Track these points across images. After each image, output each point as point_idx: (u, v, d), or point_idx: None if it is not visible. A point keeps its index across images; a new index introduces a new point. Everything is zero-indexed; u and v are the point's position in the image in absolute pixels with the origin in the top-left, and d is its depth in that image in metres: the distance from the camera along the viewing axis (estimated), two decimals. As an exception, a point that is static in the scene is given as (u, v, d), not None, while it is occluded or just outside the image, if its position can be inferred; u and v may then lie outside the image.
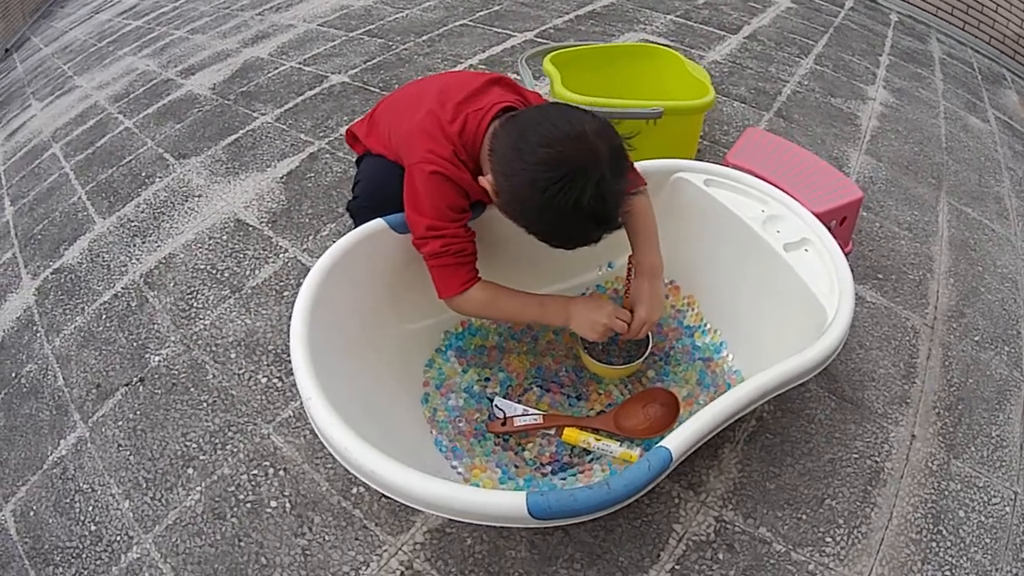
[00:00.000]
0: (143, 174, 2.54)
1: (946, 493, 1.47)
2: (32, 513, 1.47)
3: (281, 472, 1.45)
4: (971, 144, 3.06)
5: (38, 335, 1.92)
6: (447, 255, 1.31)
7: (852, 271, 1.40)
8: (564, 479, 1.35)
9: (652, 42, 3.31)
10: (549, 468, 1.37)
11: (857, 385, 1.67)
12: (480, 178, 1.29)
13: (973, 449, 1.58)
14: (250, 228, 2.16)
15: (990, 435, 1.63)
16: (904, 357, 1.78)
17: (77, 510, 1.44)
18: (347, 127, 1.71)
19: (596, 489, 0.99)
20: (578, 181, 1.11)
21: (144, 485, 1.46)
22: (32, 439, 1.63)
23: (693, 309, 1.68)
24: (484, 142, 1.30)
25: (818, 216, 1.54)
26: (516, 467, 1.37)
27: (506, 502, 0.97)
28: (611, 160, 1.15)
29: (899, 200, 2.44)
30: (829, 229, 1.51)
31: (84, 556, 1.37)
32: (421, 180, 1.31)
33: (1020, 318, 2.02)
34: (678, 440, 1.06)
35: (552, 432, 1.44)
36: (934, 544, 1.38)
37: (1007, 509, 1.47)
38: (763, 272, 1.48)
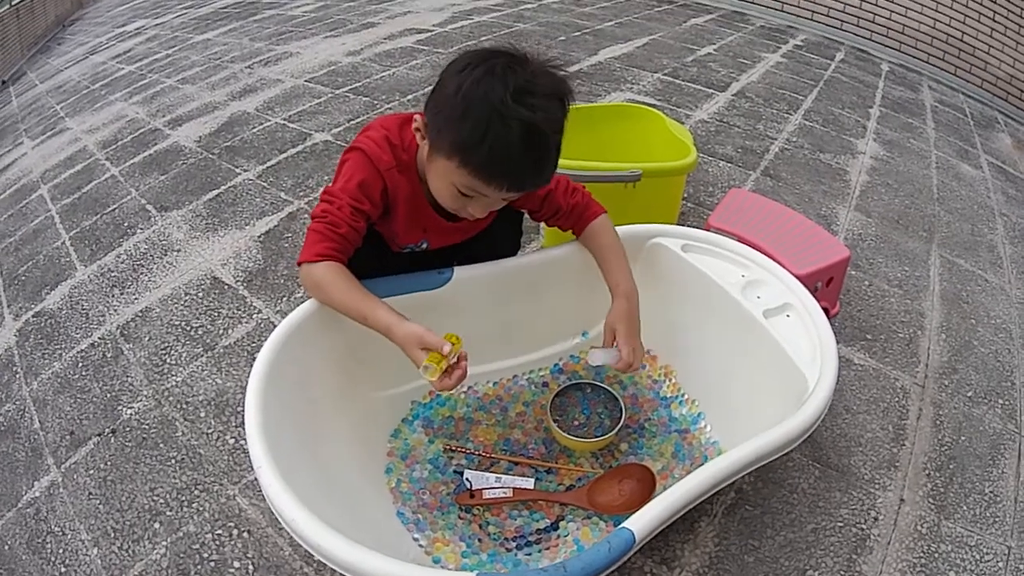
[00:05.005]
0: (125, 224, 2.54)
1: (936, 555, 1.43)
2: (7, 547, 1.46)
3: (245, 534, 1.42)
4: (963, 193, 3.05)
5: (17, 376, 1.92)
6: (322, 221, 1.27)
7: (839, 333, 1.37)
8: (529, 555, 1.29)
9: (639, 102, 3.32)
10: (514, 543, 1.32)
11: (843, 451, 1.62)
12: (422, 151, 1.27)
13: (965, 508, 1.54)
14: (225, 286, 2.15)
15: (983, 492, 1.59)
16: (893, 419, 1.73)
17: (48, 551, 1.44)
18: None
19: (551, 572, 0.93)
20: (495, 59, 1.17)
21: (112, 535, 1.45)
22: (8, 477, 1.63)
23: (670, 379, 1.63)
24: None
25: (802, 278, 1.51)
26: (480, 540, 1.32)
27: (456, 587, 0.92)
28: (529, 58, 1.22)
29: (889, 256, 2.41)
30: (814, 291, 1.48)
31: (53, 598, 1.35)
32: (345, 159, 1.32)
33: (1015, 368, 1.99)
34: (642, 521, 1.01)
35: (521, 506, 1.40)
36: (924, 609, 1.33)
37: (1000, 564, 1.43)
38: (742, 340, 1.44)
